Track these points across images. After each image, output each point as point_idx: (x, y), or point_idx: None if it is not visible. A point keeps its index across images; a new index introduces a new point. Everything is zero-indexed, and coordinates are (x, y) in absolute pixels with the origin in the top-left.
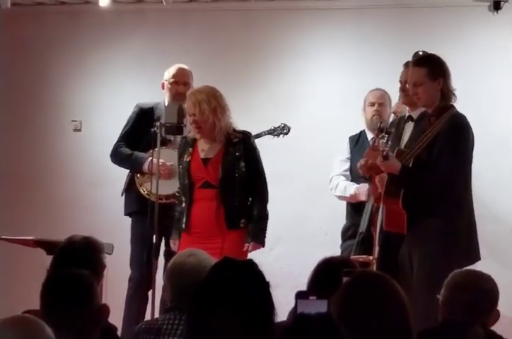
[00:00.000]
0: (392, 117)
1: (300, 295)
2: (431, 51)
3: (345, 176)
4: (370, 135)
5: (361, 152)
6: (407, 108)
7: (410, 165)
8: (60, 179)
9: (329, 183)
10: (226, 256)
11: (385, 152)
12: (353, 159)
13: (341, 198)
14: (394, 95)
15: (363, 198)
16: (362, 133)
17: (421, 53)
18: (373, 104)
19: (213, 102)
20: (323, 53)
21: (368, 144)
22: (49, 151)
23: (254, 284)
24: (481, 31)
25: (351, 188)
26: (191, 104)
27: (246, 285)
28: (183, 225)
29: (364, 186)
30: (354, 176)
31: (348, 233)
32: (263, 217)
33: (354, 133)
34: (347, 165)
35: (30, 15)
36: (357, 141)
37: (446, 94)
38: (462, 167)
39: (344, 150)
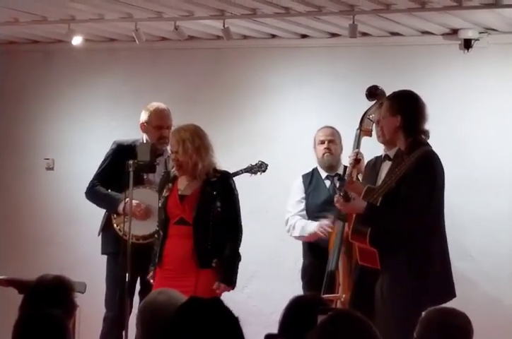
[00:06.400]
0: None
1: (269, 338)
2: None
3: (301, 215)
4: (323, 174)
5: (317, 191)
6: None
7: (378, 203)
8: (33, 217)
9: (285, 225)
10: (194, 295)
11: (348, 194)
12: (308, 198)
13: (299, 238)
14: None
15: (323, 235)
16: (315, 171)
17: (380, 87)
18: (323, 142)
19: (197, 141)
20: (296, 90)
21: (323, 182)
22: (21, 189)
23: (222, 322)
24: (452, 69)
25: (310, 227)
26: (175, 141)
27: (213, 323)
28: (156, 259)
29: (324, 222)
30: (310, 215)
31: (307, 274)
32: (235, 259)
33: (307, 171)
34: (302, 205)
35: (3, 53)
36: (311, 180)
37: (416, 130)
38: (428, 205)
39: (299, 190)
